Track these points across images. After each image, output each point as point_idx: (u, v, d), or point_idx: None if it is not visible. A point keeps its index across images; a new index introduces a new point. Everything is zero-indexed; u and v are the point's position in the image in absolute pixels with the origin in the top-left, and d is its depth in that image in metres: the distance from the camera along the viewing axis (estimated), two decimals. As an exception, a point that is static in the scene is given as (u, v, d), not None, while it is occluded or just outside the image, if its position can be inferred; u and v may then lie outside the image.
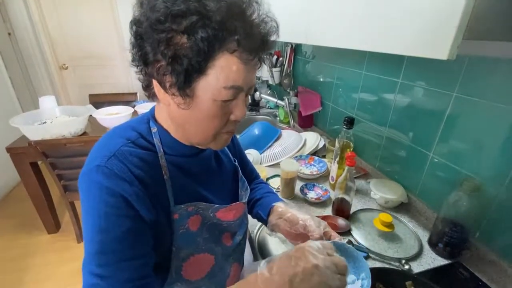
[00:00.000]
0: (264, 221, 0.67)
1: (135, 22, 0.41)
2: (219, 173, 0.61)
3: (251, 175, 0.77)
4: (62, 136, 1.65)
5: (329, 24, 0.78)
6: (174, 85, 0.41)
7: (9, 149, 1.63)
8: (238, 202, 0.60)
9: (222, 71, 0.40)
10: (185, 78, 0.40)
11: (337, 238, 0.54)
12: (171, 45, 0.38)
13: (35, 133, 1.60)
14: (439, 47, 0.43)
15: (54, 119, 1.83)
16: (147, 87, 0.47)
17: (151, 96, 0.47)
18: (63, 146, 1.51)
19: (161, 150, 0.49)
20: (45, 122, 1.78)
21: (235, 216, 0.59)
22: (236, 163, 0.67)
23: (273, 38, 0.44)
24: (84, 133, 1.82)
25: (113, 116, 1.85)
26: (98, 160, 0.42)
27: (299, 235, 0.58)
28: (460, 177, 0.76)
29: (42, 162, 1.60)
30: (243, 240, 0.68)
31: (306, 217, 0.57)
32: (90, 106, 1.93)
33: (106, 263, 0.40)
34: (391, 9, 0.54)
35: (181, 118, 0.46)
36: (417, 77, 0.87)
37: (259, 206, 0.70)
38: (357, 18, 0.65)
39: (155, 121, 0.51)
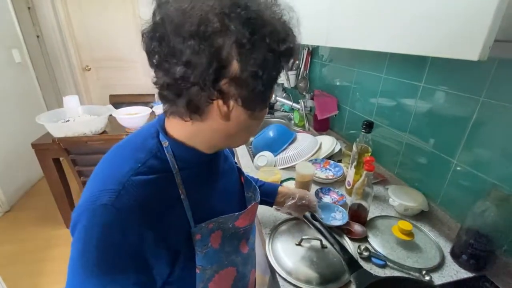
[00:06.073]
0: (269, 203, 0.79)
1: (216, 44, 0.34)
2: (228, 173, 0.59)
3: None
4: (84, 134, 1.72)
5: (351, 24, 0.77)
6: (260, 101, 0.42)
7: (34, 145, 1.72)
8: (253, 203, 0.59)
9: None
10: (268, 92, 0.42)
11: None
12: (267, 64, 0.37)
13: (58, 130, 1.67)
14: (469, 47, 0.41)
15: (77, 117, 1.91)
16: (198, 107, 0.39)
17: (197, 112, 0.40)
18: (84, 143, 1.57)
19: (176, 166, 0.44)
20: (68, 120, 1.86)
21: (251, 219, 0.58)
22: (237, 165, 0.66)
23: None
24: (104, 132, 1.88)
25: (132, 116, 1.91)
26: (106, 197, 0.36)
27: (301, 206, 0.77)
28: (486, 186, 0.72)
29: (64, 159, 1.67)
30: (255, 244, 0.67)
31: (307, 192, 0.80)
32: (110, 106, 1.99)
33: None
34: (417, 8, 0.52)
35: (237, 128, 0.43)
36: (441, 81, 0.84)
37: (260, 193, 0.75)
38: (381, 18, 0.63)
39: (166, 134, 0.45)
